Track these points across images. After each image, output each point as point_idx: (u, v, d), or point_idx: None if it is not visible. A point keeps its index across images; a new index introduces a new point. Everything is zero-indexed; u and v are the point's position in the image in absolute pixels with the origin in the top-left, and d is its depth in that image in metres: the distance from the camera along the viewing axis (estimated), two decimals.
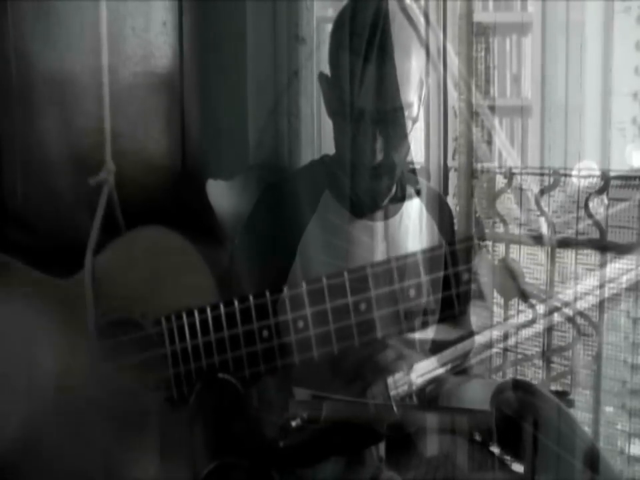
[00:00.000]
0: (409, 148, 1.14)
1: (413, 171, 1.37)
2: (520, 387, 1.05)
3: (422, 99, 1.14)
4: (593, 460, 0.99)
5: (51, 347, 0.74)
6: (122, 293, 0.77)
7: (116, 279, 0.75)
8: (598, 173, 1.40)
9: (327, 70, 1.16)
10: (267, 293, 0.71)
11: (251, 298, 0.72)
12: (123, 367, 0.70)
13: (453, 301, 0.69)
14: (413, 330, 0.69)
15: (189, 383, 0.73)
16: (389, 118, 1.08)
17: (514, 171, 1.51)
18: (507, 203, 1.50)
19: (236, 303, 0.72)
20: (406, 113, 1.09)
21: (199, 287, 0.80)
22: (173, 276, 0.80)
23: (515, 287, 0.91)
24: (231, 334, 0.72)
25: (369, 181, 1.12)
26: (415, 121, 1.11)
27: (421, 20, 1.17)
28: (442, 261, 0.70)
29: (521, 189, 1.50)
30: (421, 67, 1.11)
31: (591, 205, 1.40)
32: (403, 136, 1.10)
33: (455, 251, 0.69)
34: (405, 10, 1.10)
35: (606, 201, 1.41)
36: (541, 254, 1.43)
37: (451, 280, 0.69)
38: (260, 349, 0.71)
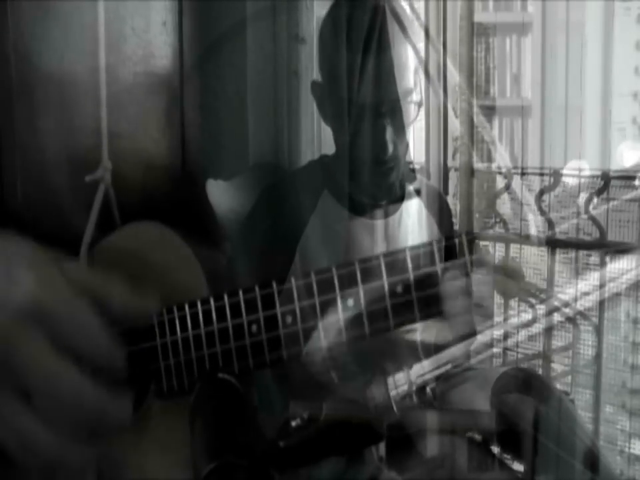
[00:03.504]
0: (407, 140, 1.14)
1: (413, 170, 1.37)
2: (520, 384, 1.05)
3: (421, 81, 1.13)
4: (592, 459, 0.98)
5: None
6: None
7: (107, 272, 0.76)
8: (598, 172, 1.41)
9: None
10: (257, 288, 0.72)
11: (240, 293, 0.73)
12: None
13: (439, 299, 0.69)
14: (400, 326, 0.69)
15: (178, 375, 0.74)
16: (393, 107, 1.08)
17: (514, 170, 1.51)
18: (507, 203, 1.50)
19: (225, 297, 0.73)
20: (409, 99, 1.09)
21: (189, 282, 0.81)
22: (163, 271, 0.80)
23: (515, 287, 0.91)
24: (220, 327, 0.73)
25: (377, 176, 1.11)
26: (419, 104, 1.11)
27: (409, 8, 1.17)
28: (431, 257, 0.70)
29: (521, 189, 1.50)
30: (415, 50, 1.11)
31: (591, 204, 1.40)
32: (406, 125, 1.10)
33: (445, 247, 0.69)
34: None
35: (606, 201, 1.41)
36: (541, 254, 1.43)
37: (438, 277, 0.69)
38: (248, 343, 0.72)
